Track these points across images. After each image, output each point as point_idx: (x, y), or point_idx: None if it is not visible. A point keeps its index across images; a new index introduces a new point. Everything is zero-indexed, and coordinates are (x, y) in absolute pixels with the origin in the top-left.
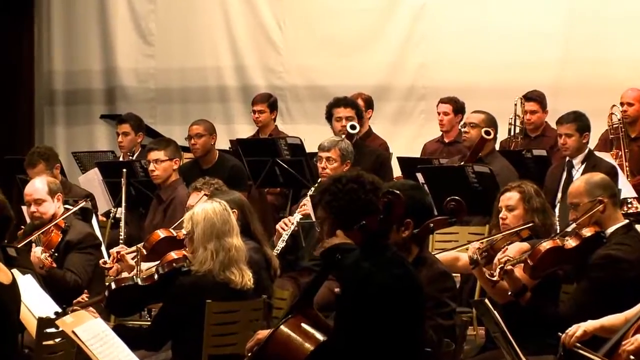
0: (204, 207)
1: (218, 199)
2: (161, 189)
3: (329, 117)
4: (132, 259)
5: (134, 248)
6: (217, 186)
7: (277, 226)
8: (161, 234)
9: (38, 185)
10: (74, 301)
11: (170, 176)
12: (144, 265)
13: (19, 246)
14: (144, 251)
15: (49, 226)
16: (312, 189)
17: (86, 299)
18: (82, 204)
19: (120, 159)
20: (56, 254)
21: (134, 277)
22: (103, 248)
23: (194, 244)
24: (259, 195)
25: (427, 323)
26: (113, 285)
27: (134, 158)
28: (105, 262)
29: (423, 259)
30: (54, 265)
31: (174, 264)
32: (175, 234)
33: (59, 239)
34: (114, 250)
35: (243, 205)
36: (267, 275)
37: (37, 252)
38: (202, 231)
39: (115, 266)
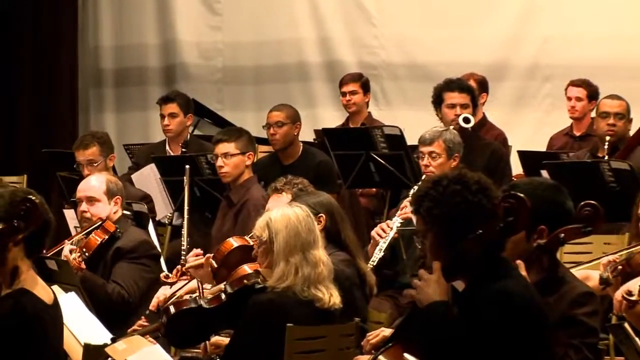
0: (285, 213)
1: (302, 201)
2: (231, 189)
3: (437, 102)
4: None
5: (200, 259)
6: (302, 186)
7: (373, 233)
8: (234, 242)
9: (94, 182)
10: (128, 331)
11: (242, 174)
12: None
13: (52, 252)
14: (214, 263)
15: (92, 227)
16: (414, 188)
17: (145, 324)
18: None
19: (168, 149)
20: (87, 254)
21: (197, 298)
22: (162, 262)
23: (273, 256)
24: (350, 198)
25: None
26: (172, 309)
27: (186, 149)
28: (167, 276)
29: (559, 274)
30: (83, 266)
31: (245, 281)
32: (252, 243)
33: (97, 244)
34: (190, 258)
35: (333, 209)
36: (361, 294)
37: (65, 250)
38: (284, 242)
39: (156, 299)
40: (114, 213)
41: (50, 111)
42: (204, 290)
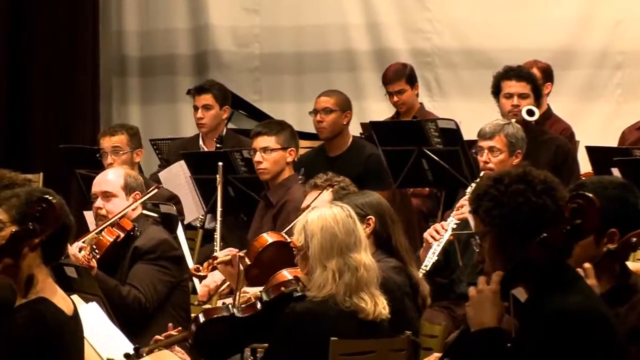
0: (321, 214)
1: (349, 202)
2: (270, 188)
3: (497, 92)
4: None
5: (230, 254)
6: (344, 185)
7: (426, 235)
8: (269, 238)
9: (111, 176)
10: (153, 339)
11: (282, 171)
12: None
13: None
14: (247, 261)
15: (105, 224)
16: (471, 187)
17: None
18: (154, 190)
19: (201, 144)
20: (96, 252)
21: (229, 306)
22: (189, 260)
23: (309, 262)
24: (401, 198)
25: None
26: (201, 318)
27: (221, 144)
28: (197, 269)
29: (630, 282)
30: (94, 264)
31: (283, 288)
32: (289, 240)
33: (110, 242)
34: (221, 253)
35: (383, 210)
36: (413, 305)
37: (72, 248)
38: (319, 245)
39: (205, 287)
40: (133, 210)
41: (69, 103)
42: (240, 295)
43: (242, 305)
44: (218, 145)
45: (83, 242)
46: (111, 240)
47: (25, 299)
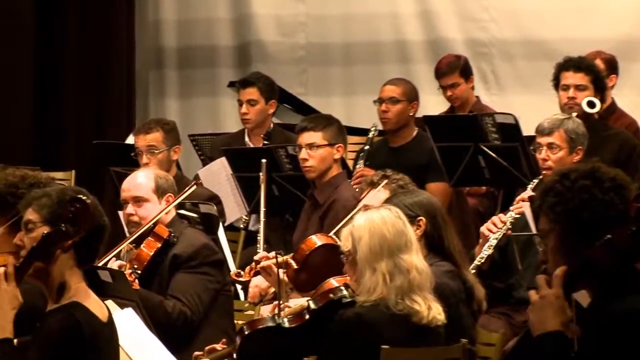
0: (369, 217)
1: (397, 202)
2: (317, 187)
3: (557, 84)
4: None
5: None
6: (402, 183)
7: (483, 229)
8: (317, 240)
9: (141, 179)
10: (194, 355)
11: (329, 169)
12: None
13: (103, 262)
14: (294, 264)
15: (139, 232)
16: (532, 184)
17: (218, 348)
18: (193, 187)
19: (247, 140)
20: (138, 272)
21: (275, 316)
22: (231, 264)
23: (358, 266)
24: (457, 198)
25: None
26: (246, 330)
27: (268, 141)
28: (238, 274)
29: None
30: (137, 286)
31: (331, 295)
32: (339, 243)
33: (151, 254)
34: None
35: (434, 210)
36: (468, 311)
37: (113, 267)
38: (367, 247)
39: (256, 287)
40: (166, 214)
41: (102, 97)
42: (284, 303)
43: (289, 316)
44: (265, 142)
45: (120, 256)
46: (151, 254)
47: (57, 304)
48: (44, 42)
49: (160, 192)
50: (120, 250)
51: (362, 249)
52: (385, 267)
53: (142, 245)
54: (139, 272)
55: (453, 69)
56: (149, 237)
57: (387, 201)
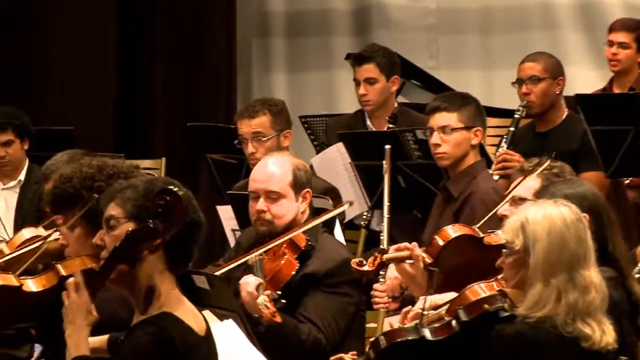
0: (548, 213)
1: (555, 191)
2: (451, 177)
3: None
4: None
5: (405, 252)
6: (558, 171)
7: None
8: (453, 232)
9: (276, 168)
10: None
11: (466, 156)
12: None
13: (218, 272)
14: (426, 259)
15: (280, 241)
16: None
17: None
18: (345, 206)
19: (369, 123)
20: (283, 300)
21: (417, 326)
22: None
23: (527, 273)
24: (614, 190)
25: None
26: (382, 341)
27: (394, 124)
28: (361, 263)
29: None
30: (278, 319)
31: (486, 305)
32: (480, 235)
33: (294, 270)
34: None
35: (598, 206)
36: (631, 327)
37: (250, 285)
38: (544, 254)
39: (395, 280)
40: (302, 213)
41: (198, 72)
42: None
43: (435, 325)
44: (391, 125)
45: (251, 266)
46: (292, 274)
47: (145, 315)
48: (129, 11)
49: (297, 187)
50: (247, 261)
51: (537, 254)
52: (561, 282)
53: (281, 260)
54: (284, 300)
55: (629, 29)
56: (286, 248)
57: (542, 191)
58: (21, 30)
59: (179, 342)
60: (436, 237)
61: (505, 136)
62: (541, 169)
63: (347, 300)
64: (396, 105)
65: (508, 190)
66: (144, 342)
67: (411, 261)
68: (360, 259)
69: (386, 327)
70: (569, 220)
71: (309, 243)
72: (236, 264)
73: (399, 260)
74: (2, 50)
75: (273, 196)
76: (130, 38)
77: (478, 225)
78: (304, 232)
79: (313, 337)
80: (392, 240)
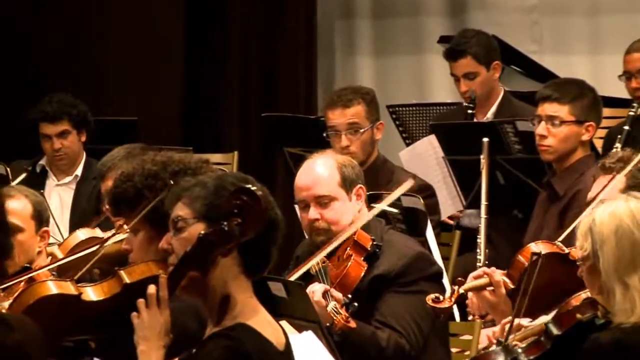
0: (613, 211)
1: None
2: (556, 173)
3: None
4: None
5: (484, 279)
6: None
7: None
8: (535, 248)
9: (321, 171)
10: None
11: (574, 151)
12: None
13: (291, 278)
14: (510, 284)
15: (338, 241)
16: None
17: None
18: (404, 187)
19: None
20: (355, 304)
21: (508, 346)
22: (446, 281)
23: (601, 277)
24: None
25: None
26: None
27: (492, 116)
28: (437, 299)
29: None
30: (352, 324)
31: (578, 315)
32: (566, 251)
33: (363, 272)
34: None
35: None
36: None
37: (316, 294)
38: (612, 255)
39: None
40: (359, 212)
41: (274, 57)
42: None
43: (523, 344)
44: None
45: (316, 272)
46: (361, 276)
47: (219, 327)
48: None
49: (348, 184)
50: (309, 270)
51: (605, 256)
52: (637, 282)
53: (347, 262)
54: (356, 304)
55: None
56: (351, 250)
57: (634, 188)
58: (78, 10)
59: (255, 357)
60: (517, 257)
61: (619, 135)
62: (630, 166)
63: (425, 298)
64: (502, 92)
65: (590, 196)
66: (216, 358)
67: (491, 288)
68: (437, 294)
69: (482, 340)
70: (638, 215)
71: (375, 243)
72: (297, 274)
73: (478, 290)
74: (58, 32)
75: (324, 201)
76: (201, 17)
77: (560, 238)
78: (367, 232)
79: (394, 343)
80: (489, 244)
